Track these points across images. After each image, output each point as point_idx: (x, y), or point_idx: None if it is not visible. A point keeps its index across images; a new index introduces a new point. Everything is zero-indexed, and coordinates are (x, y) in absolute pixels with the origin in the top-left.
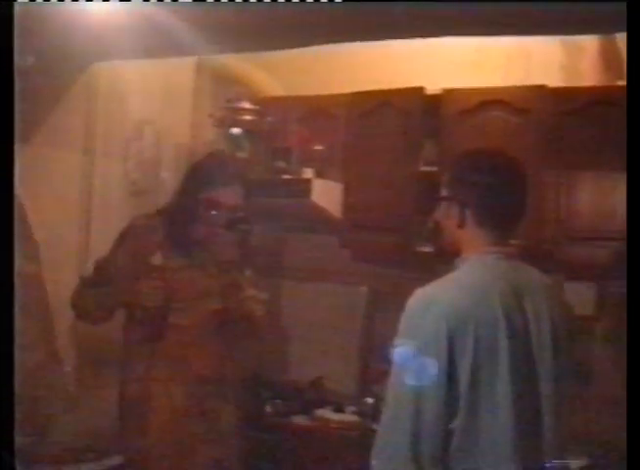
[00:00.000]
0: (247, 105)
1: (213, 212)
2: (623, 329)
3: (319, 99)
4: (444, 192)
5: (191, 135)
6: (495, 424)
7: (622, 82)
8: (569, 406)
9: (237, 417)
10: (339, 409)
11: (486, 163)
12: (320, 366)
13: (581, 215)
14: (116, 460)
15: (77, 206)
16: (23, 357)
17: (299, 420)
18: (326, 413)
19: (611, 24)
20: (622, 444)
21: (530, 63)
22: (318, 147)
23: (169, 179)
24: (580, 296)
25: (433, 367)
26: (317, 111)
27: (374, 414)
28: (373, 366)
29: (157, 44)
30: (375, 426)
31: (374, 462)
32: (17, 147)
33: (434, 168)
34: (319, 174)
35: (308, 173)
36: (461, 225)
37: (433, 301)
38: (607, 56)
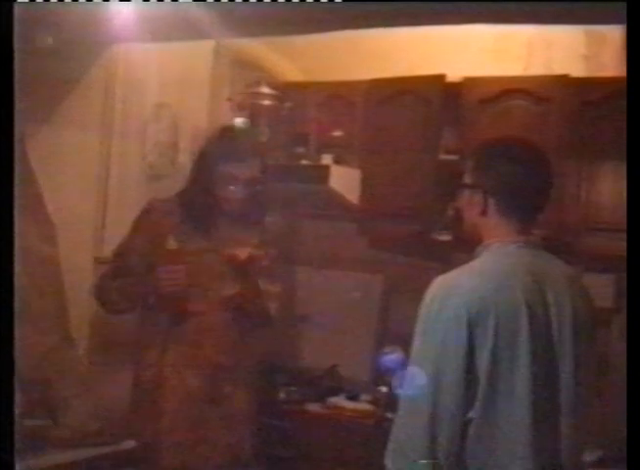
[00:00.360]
0: (266, 90)
1: (231, 187)
2: None
3: (338, 85)
4: (467, 179)
5: (208, 119)
6: (513, 414)
7: None
8: (587, 398)
9: (250, 404)
10: (353, 397)
11: (512, 151)
12: (335, 354)
13: (602, 206)
14: (129, 444)
15: (94, 188)
16: (38, 340)
17: (313, 407)
18: (340, 401)
19: None
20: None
21: (552, 52)
22: (337, 133)
23: (186, 163)
24: (599, 287)
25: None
26: (336, 97)
27: (388, 403)
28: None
29: (175, 28)
30: (389, 415)
31: (390, 449)
32: (35, 128)
33: (454, 157)
34: (338, 161)
35: (327, 159)
36: (484, 213)
37: (454, 288)
38: None
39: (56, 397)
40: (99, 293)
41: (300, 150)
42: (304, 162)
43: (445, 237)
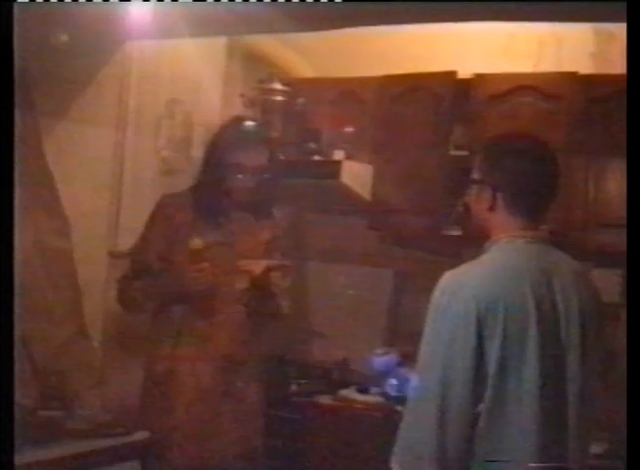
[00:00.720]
0: (278, 86)
1: (239, 176)
2: None
3: (350, 81)
4: (476, 175)
5: (221, 115)
6: (521, 407)
7: None
8: (594, 392)
9: (262, 396)
10: (363, 390)
11: (520, 147)
12: (346, 347)
13: (609, 202)
14: (142, 436)
15: (108, 182)
16: (52, 333)
17: (324, 400)
18: (351, 394)
19: None
20: None
21: (561, 50)
22: (348, 129)
23: (199, 158)
24: (607, 282)
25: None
26: (348, 93)
27: (398, 396)
28: (398, 348)
29: (188, 25)
30: (399, 407)
31: (397, 444)
32: (51, 124)
33: (465, 153)
34: (349, 156)
35: (339, 155)
36: (492, 209)
37: (463, 282)
38: None
39: (70, 388)
40: (122, 295)
41: (312, 145)
42: (316, 157)
43: (455, 232)
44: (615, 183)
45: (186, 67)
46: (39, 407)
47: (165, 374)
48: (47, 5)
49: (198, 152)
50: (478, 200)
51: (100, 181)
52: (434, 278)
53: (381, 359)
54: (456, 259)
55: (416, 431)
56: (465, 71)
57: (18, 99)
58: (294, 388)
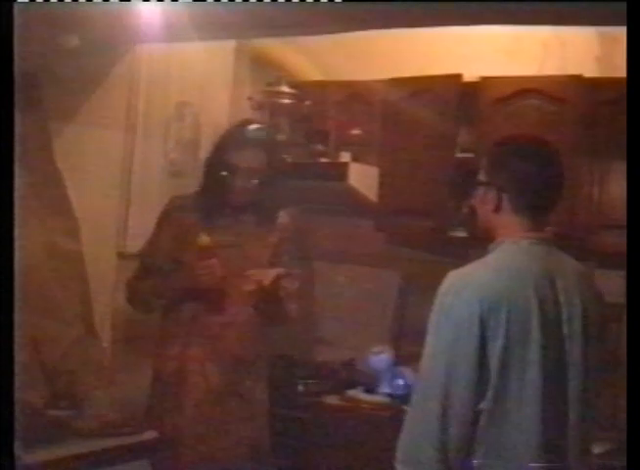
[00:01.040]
0: (285, 89)
1: (234, 177)
2: None
3: (357, 84)
4: (481, 177)
5: (229, 117)
6: (523, 406)
7: None
8: (596, 392)
9: (270, 396)
10: (370, 390)
11: (525, 149)
12: (352, 348)
13: (614, 204)
14: (151, 435)
15: (118, 184)
16: (61, 333)
17: (331, 400)
18: (357, 394)
19: None
20: None
21: (566, 53)
22: (355, 131)
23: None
24: (611, 284)
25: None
26: (355, 96)
27: (404, 396)
28: (404, 348)
29: (197, 28)
30: (405, 406)
31: (401, 441)
32: (60, 126)
33: (470, 155)
34: (356, 158)
35: (345, 157)
36: (497, 210)
37: (467, 282)
38: None
39: (79, 388)
40: (131, 295)
41: (320, 148)
42: (323, 159)
43: (461, 233)
44: (618, 185)
45: (195, 70)
46: (49, 407)
47: (174, 374)
48: (57, 8)
49: (207, 155)
50: (483, 201)
51: (109, 183)
52: (440, 279)
53: (377, 358)
54: (462, 261)
55: (418, 429)
56: (470, 74)
57: (27, 102)
58: (301, 388)
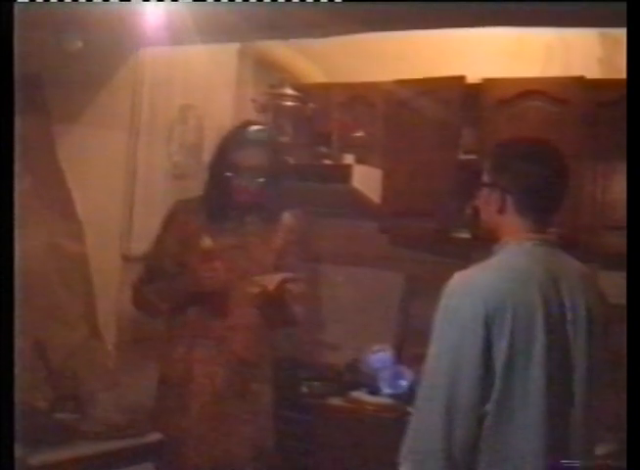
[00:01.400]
0: (289, 91)
1: (237, 176)
2: None
3: (360, 86)
4: (486, 178)
5: (233, 120)
6: (527, 408)
7: None
8: (601, 394)
9: (274, 398)
10: (374, 392)
11: (530, 151)
12: (356, 349)
13: (617, 205)
14: (155, 437)
15: (121, 186)
16: (66, 335)
17: (335, 402)
18: (361, 395)
19: None
20: None
21: (569, 55)
22: (359, 133)
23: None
24: (615, 285)
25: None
26: (358, 98)
27: (408, 397)
28: (408, 350)
29: (201, 31)
30: (409, 409)
31: (406, 443)
32: (64, 129)
33: (473, 156)
34: (359, 160)
35: (349, 159)
36: (501, 211)
37: (471, 284)
38: None
39: (84, 390)
40: (137, 299)
41: (323, 150)
42: (327, 161)
43: (464, 235)
44: (621, 186)
45: (198, 72)
46: (54, 409)
47: (180, 376)
48: (57, 8)
49: (209, 157)
50: (487, 203)
51: (113, 185)
52: (444, 280)
53: (376, 357)
54: (465, 262)
55: (423, 430)
56: (474, 76)
57: (31, 104)
58: (305, 389)
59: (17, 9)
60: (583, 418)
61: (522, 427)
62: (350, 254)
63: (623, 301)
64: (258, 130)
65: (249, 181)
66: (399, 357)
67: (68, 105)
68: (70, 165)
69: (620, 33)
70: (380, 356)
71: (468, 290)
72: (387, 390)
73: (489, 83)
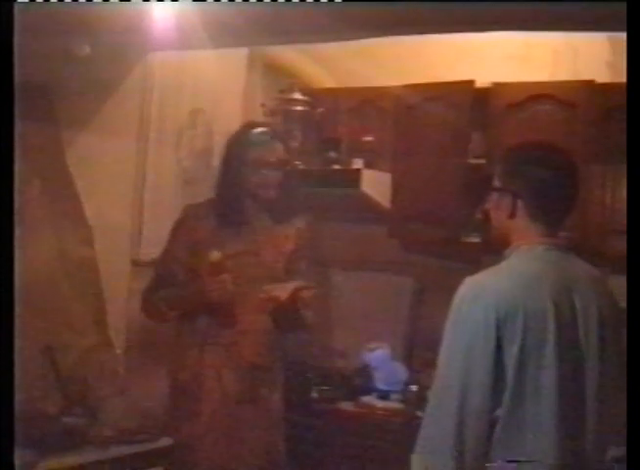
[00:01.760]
0: (298, 96)
1: (263, 171)
2: None
3: (369, 91)
4: (497, 183)
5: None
6: (539, 414)
7: None
8: (612, 398)
9: (285, 403)
10: (384, 396)
11: (542, 156)
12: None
13: (626, 209)
14: (166, 442)
15: (131, 192)
16: (76, 341)
17: (345, 406)
18: (371, 400)
19: None
20: None
21: (577, 59)
22: (368, 138)
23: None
24: (624, 288)
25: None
26: (367, 102)
27: (418, 402)
28: (418, 355)
29: (210, 36)
30: (419, 413)
31: (417, 448)
32: (73, 135)
33: (482, 161)
34: (368, 165)
35: (358, 164)
36: (512, 216)
37: (483, 289)
38: None
39: (94, 395)
40: (146, 305)
41: (332, 154)
42: (336, 166)
43: (474, 239)
44: None
45: (207, 77)
46: (64, 415)
47: (190, 381)
48: (57, 8)
49: (219, 162)
50: (498, 207)
51: (122, 191)
52: (454, 285)
53: (372, 354)
54: (475, 266)
55: (435, 435)
56: (483, 80)
57: (40, 111)
58: (315, 394)
59: (17, 10)
60: (595, 422)
61: (533, 432)
62: (360, 259)
63: None
64: (269, 129)
65: (269, 176)
66: (409, 363)
67: (77, 111)
68: (80, 171)
69: None
70: (376, 354)
71: (479, 295)
72: (382, 387)
73: (499, 87)
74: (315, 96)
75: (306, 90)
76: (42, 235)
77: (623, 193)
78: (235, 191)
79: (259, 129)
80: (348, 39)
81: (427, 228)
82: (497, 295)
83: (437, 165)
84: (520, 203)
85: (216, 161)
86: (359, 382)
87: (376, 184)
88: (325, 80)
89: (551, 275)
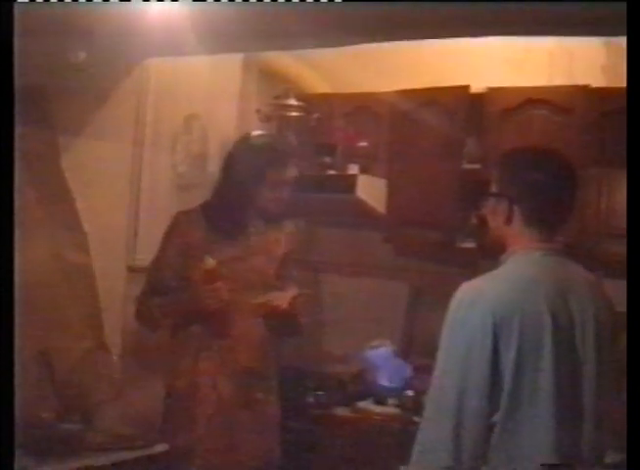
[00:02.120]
0: (293, 101)
1: (279, 190)
2: None
3: (365, 96)
4: (493, 188)
5: (237, 130)
6: (536, 419)
7: None
8: (610, 402)
9: (280, 408)
10: (380, 402)
11: (539, 161)
12: (362, 359)
13: (622, 213)
14: (162, 448)
15: (126, 197)
16: (72, 346)
17: (341, 412)
18: (368, 405)
19: None
20: None
21: (573, 63)
22: (363, 144)
23: (216, 173)
24: (620, 293)
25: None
26: (363, 108)
27: (414, 407)
28: (414, 360)
29: (205, 41)
30: (416, 418)
31: (415, 453)
32: (69, 140)
33: (477, 166)
34: (364, 170)
35: (353, 169)
36: (508, 221)
37: (479, 294)
38: None
39: (90, 401)
40: (140, 312)
41: (327, 160)
42: (331, 171)
43: (469, 245)
44: (625, 194)
45: (203, 83)
46: (60, 421)
47: (186, 387)
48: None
49: (214, 167)
50: (494, 212)
51: (118, 196)
52: (450, 290)
53: (375, 352)
54: (471, 271)
55: (432, 441)
56: (478, 85)
57: (35, 116)
58: (310, 399)
59: (17, 10)
60: (593, 426)
61: (531, 436)
62: (355, 264)
63: None
64: (283, 143)
65: (284, 193)
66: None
67: (73, 116)
68: (75, 176)
69: (625, 42)
70: (379, 352)
71: (476, 300)
72: (386, 384)
73: (494, 92)
74: (310, 102)
75: (302, 96)
76: (37, 240)
77: (619, 197)
78: (239, 202)
79: (274, 143)
80: (344, 45)
81: (422, 233)
82: (494, 300)
83: (433, 171)
84: (516, 208)
85: (212, 166)
86: (355, 387)
87: (371, 189)
88: (320, 86)
89: (547, 280)
